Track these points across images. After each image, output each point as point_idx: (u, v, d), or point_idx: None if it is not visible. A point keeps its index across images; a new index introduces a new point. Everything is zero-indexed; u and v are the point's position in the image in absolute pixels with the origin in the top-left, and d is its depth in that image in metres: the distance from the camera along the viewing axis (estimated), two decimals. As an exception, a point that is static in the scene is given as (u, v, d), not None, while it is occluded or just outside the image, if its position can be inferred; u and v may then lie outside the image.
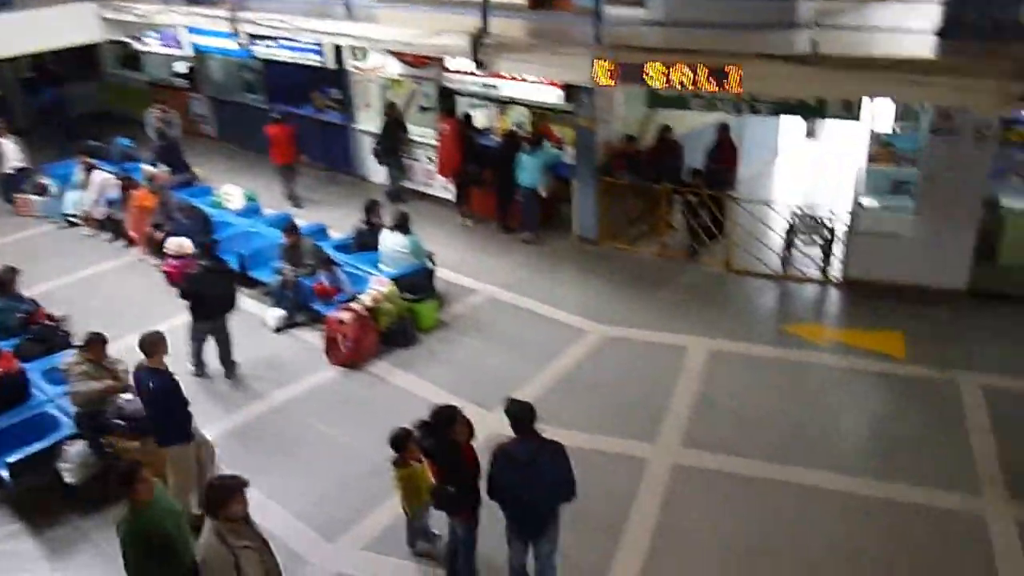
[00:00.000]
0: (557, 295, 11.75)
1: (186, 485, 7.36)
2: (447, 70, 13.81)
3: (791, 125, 18.58)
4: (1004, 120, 10.48)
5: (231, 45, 15.94)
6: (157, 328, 7.57)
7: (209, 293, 9.54)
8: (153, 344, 7.16)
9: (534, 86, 12.82)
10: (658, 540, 7.26)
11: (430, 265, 11.38)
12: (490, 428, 7.95)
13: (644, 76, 9.87)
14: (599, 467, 8.00)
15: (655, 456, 8.34)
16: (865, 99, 10.66)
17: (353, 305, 10.15)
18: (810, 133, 19.88)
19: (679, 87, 9.82)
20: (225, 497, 5.19)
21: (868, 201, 11.70)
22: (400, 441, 6.69)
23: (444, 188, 15.08)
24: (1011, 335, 10.48)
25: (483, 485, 6.15)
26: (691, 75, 9.59)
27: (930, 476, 7.99)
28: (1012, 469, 8.01)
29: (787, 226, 12.34)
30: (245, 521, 5.35)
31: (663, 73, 9.74)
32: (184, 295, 9.64)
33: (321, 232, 12.67)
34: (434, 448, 6.35)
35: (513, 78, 12.92)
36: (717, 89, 9.64)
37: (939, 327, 10.65)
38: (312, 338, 10.68)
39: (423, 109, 16.11)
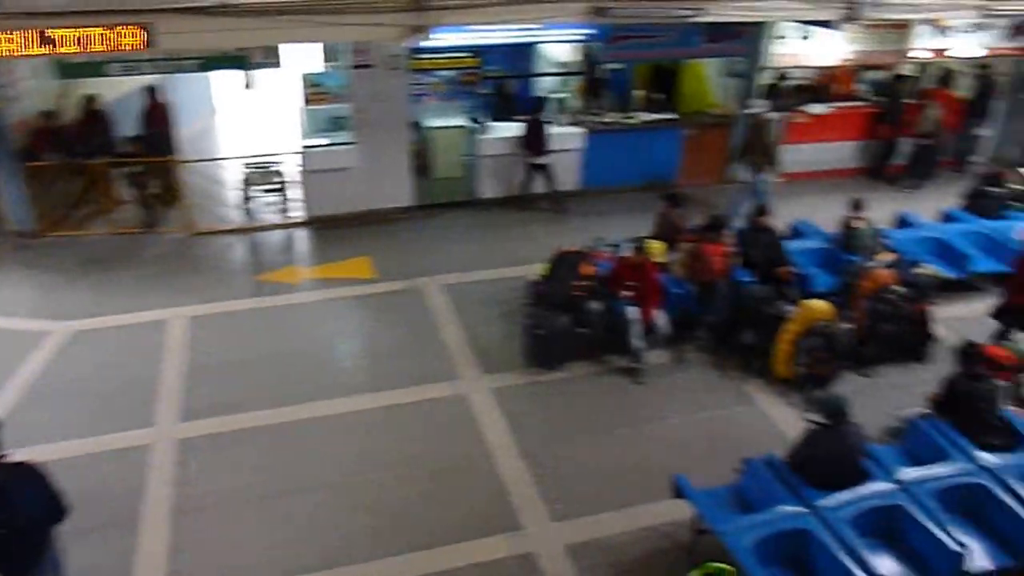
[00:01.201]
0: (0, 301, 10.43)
1: None
2: None
3: (228, 78, 18.47)
4: (411, 49, 11.51)
5: None
6: None
7: None
8: None
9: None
10: (180, 520, 6.93)
11: None
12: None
13: None
14: (96, 470, 7.40)
15: (156, 439, 7.90)
16: (284, 45, 10.90)
17: None
18: (248, 84, 20.01)
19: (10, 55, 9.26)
20: None
21: (312, 141, 12.20)
22: None
23: None
24: (453, 237, 12.10)
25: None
26: (20, 41, 9.06)
27: (417, 375, 8.87)
28: (476, 349, 9.29)
29: (241, 178, 12.37)
30: None
31: None
32: None
33: None
34: None
35: None
36: (48, 53, 9.30)
37: (397, 244, 11.78)
38: None
39: None
